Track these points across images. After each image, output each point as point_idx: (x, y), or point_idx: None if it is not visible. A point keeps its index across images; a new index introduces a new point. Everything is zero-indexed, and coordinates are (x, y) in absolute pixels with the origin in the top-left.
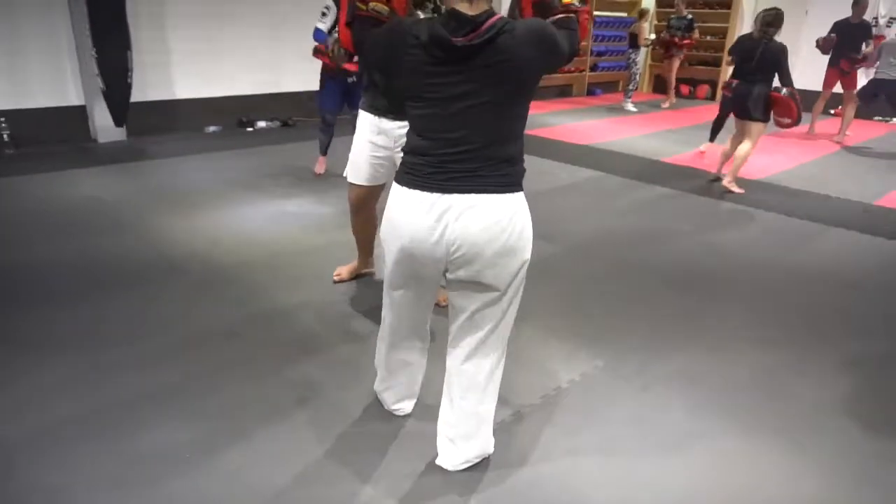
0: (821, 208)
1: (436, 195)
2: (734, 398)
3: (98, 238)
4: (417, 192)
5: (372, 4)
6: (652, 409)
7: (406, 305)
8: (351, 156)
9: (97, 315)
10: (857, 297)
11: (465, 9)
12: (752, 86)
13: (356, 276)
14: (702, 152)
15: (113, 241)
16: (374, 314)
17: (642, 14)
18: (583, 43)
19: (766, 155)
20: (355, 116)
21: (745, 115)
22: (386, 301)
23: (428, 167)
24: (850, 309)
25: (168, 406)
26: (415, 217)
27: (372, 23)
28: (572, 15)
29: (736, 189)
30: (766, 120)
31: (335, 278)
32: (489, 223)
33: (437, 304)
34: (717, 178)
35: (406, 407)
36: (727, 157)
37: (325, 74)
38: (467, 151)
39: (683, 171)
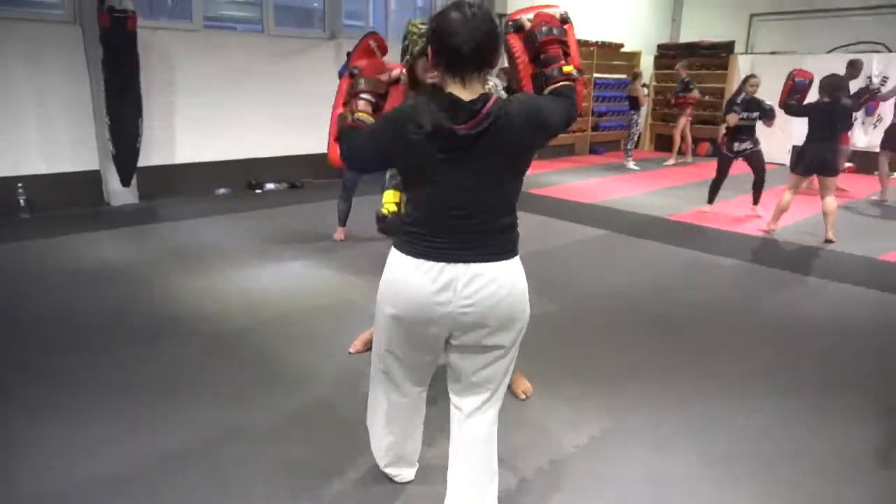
0: (825, 262)
1: (441, 264)
2: (748, 452)
3: (108, 300)
4: (422, 261)
5: (357, 115)
6: (664, 468)
7: (402, 372)
8: None
9: (104, 376)
10: (864, 350)
11: (459, 92)
12: (833, 143)
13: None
14: (707, 212)
15: (122, 302)
16: None
17: (636, 76)
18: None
19: (765, 210)
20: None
21: (828, 171)
22: (379, 367)
23: (433, 238)
24: (859, 361)
25: (176, 472)
26: (420, 285)
27: (357, 132)
28: (571, 83)
29: (833, 237)
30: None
31: (351, 350)
32: (495, 289)
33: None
34: (771, 231)
35: (407, 474)
36: (783, 211)
37: None
38: (470, 224)
39: (686, 227)
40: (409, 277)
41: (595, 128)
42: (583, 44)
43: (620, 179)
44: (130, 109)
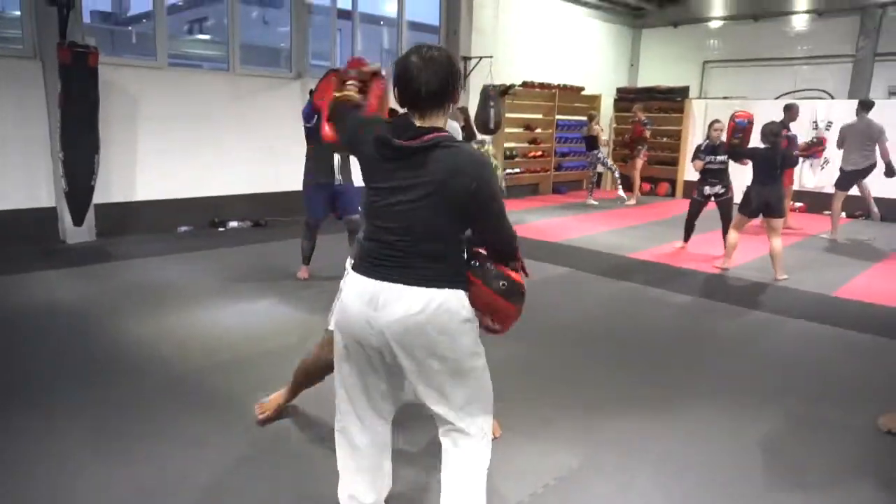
0: (782, 300)
1: (371, 281)
2: (718, 490)
3: (59, 341)
4: (359, 276)
5: (345, 92)
6: None
7: (358, 395)
8: (336, 303)
9: (51, 425)
10: (821, 383)
11: (416, 120)
12: (775, 186)
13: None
14: (681, 248)
15: (76, 343)
16: None
17: (591, 118)
18: (546, 145)
19: (719, 248)
20: (340, 220)
21: (773, 213)
22: (341, 394)
23: (370, 254)
24: (817, 393)
25: None
26: (354, 301)
27: (346, 107)
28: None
29: (784, 276)
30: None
31: (261, 417)
32: (410, 313)
33: None
34: (726, 269)
35: None
36: (733, 248)
37: (310, 181)
38: (401, 243)
39: (649, 265)
40: (349, 292)
41: (558, 168)
42: (545, 86)
43: (583, 218)
44: (86, 145)
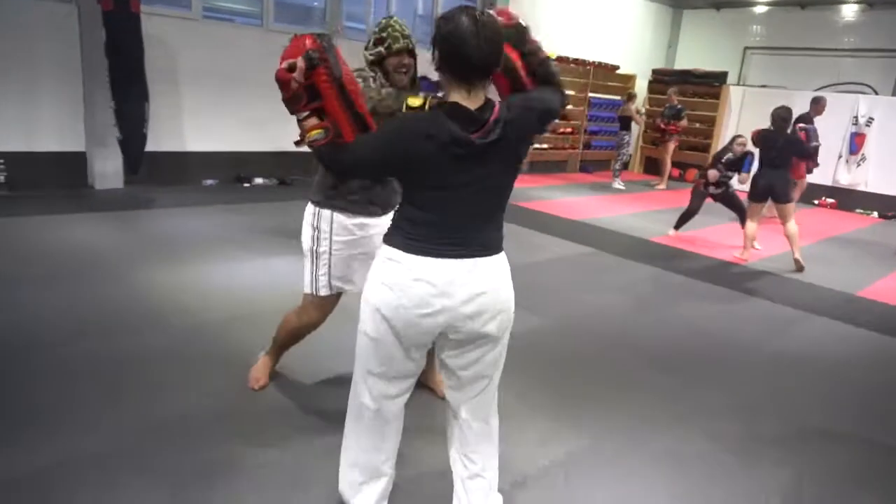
0: (804, 296)
1: (447, 261)
2: (718, 486)
3: (85, 285)
4: (427, 258)
5: (312, 135)
6: (635, 495)
7: (388, 388)
8: (324, 267)
9: (76, 369)
10: (836, 385)
11: (464, 100)
12: (781, 171)
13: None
14: (669, 236)
15: (100, 289)
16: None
17: (630, 97)
18: (576, 122)
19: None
20: None
21: (777, 198)
22: (365, 380)
23: (437, 236)
24: (829, 397)
25: (136, 469)
26: (422, 283)
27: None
28: (556, 69)
29: (799, 257)
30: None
31: (255, 387)
32: (495, 279)
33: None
34: (745, 261)
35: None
36: (752, 239)
37: None
38: (474, 223)
39: (671, 251)
40: (414, 274)
41: (587, 146)
42: (579, 63)
43: (608, 199)
44: (137, 94)
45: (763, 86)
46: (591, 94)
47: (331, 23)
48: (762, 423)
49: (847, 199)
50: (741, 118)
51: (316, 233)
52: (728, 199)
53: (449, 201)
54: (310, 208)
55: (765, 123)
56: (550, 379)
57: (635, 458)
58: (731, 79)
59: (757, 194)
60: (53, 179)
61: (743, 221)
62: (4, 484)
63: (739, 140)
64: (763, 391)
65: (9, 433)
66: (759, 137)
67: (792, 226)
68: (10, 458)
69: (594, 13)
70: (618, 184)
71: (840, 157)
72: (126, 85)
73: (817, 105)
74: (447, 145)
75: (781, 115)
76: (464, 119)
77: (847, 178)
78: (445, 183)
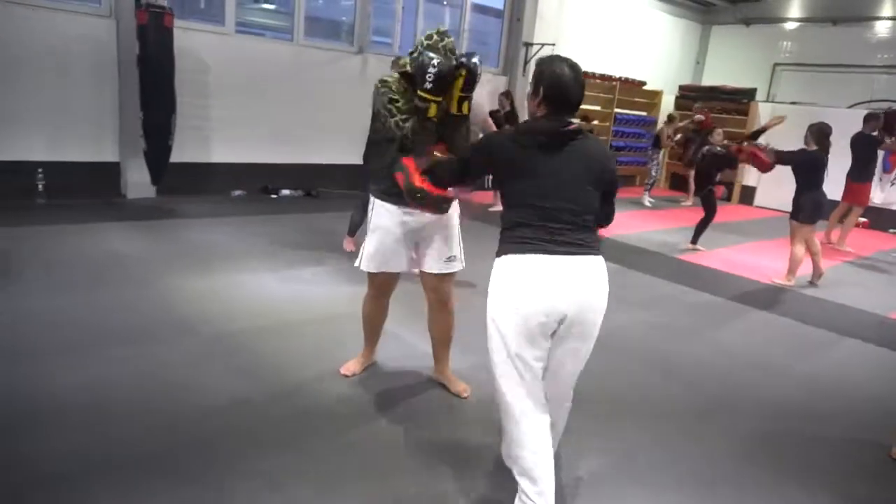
0: (835, 318)
1: (556, 258)
2: None
3: (115, 291)
4: (543, 256)
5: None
6: None
7: (528, 374)
8: (370, 247)
9: (106, 373)
10: (867, 409)
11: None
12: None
13: (366, 369)
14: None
15: (129, 295)
16: (378, 396)
17: (671, 119)
18: (602, 138)
19: (779, 260)
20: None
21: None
22: (512, 375)
23: (543, 234)
24: (860, 420)
25: (163, 474)
26: (544, 279)
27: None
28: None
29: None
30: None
31: (346, 373)
32: (599, 279)
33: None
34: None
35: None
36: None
37: None
38: (570, 220)
39: (697, 269)
40: (533, 274)
41: None
42: (605, 79)
43: (633, 215)
44: (164, 106)
45: (793, 102)
46: (616, 110)
47: (359, 38)
48: (791, 447)
49: (880, 219)
50: (770, 135)
51: (368, 216)
52: (709, 198)
53: (538, 191)
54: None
55: (793, 140)
56: (575, 395)
57: (661, 478)
58: (759, 95)
59: (811, 216)
60: (87, 188)
61: (707, 223)
62: (30, 483)
63: (718, 130)
64: (793, 414)
65: (36, 433)
66: (807, 158)
67: (797, 249)
68: (36, 459)
69: (621, 28)
70: (647, 200)
71: (873, 175)
72: (154, 97)
73: (876, 120)
74: (530, 136)
75: (826, 132)
76: (549, 122)
77: (881, 196)
78: (530, 170)
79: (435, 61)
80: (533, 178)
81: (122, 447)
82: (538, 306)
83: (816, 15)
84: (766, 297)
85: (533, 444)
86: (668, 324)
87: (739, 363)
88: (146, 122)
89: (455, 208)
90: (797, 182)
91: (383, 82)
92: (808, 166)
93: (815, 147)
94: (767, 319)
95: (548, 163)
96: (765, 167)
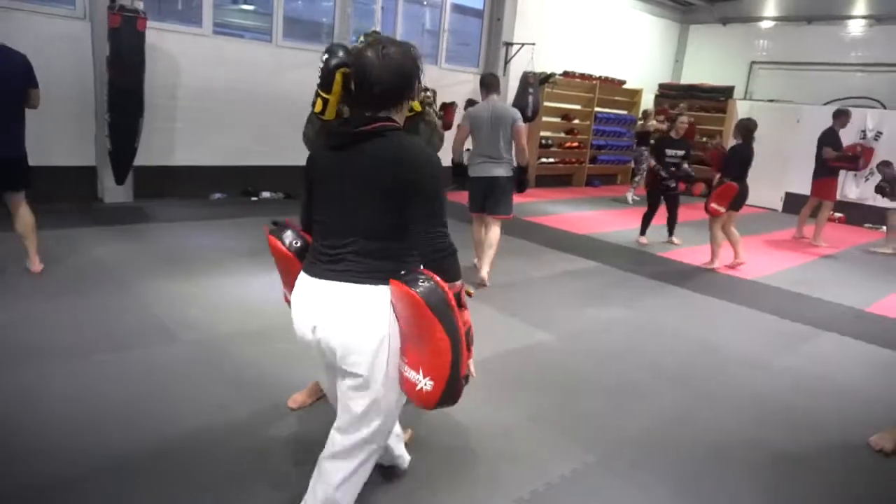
0: (813, 311)
1: (314, 280)
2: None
3: (95, 298)
4: (305, 277)
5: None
6: None
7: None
8: None
9: (87, 381)
10: (848, 403)
11: (361, 112)
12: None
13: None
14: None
15: (109, 302)
16: None
17: (647, 115)
18: (583, 136)
19: (756, 256)
20: None
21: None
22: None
23: (318, 252)
24: (842, 414)
25: (147, 484)
26: (299, 301)
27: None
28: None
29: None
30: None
31: (292, 406)
32: (349, 312)
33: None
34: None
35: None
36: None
37: None
38: (343, 238)
39: (678, 265)
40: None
41: (593, 160)
42: (586, 78)
43: (614, 213)
44: (132, 108)
45: (771, 100)
46: (597, 109)
47: (339, 39)
48: (774, 440)
49: (856, 214)
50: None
51: None
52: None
53: (318, 203)
54: None
55: (773, 137)
56: (557, 394)
57: (643, 476)
58: (737, 93)
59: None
60: (65, 193)
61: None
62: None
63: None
64: (773, 407)
65: (21, 444)
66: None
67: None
68: (21, 470)
69: (601, 28)
70: (631, 197)
71: (848, 171)
72: (123, 99)
73: (845, 116)
74: (324, 138)
75: (751, 128)
76: (347, 123)
77: (855, 192)
78: (316, 177)
79: (324, 56)
80: (319, 190)
81: (107, 456)
82: (297, 326)
83: (791, 14)
84: (746, 292)
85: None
86: (648, 320)
87: (720, 357)
88: (112, 123)
89: None
90: (727, 174)
91: None
92: (738, 158)
93: (741, 141)
94: (746, 314)
95: (332, 172)
96: (717, 167)
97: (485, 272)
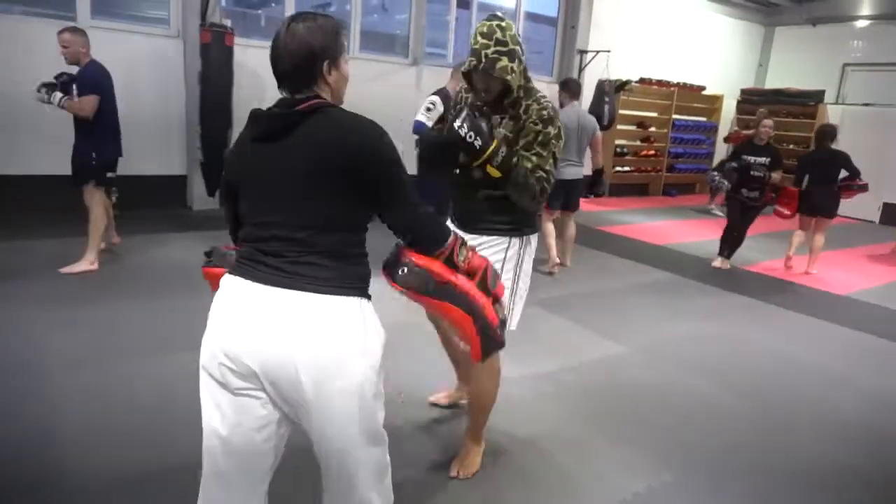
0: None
1: (255, 286)
2: None
3: (180, 299)
4: (240, 280)
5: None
6: None
7: (222, 437)
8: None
9: (172, 379)
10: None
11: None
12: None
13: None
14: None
15: (193, 303)
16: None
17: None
18: (660, 145)
19: (850, 269)
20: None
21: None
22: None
23: (254, 255)
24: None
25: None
26: (228, 310)
27: None
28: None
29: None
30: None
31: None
32: (305, 325)
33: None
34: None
35: None
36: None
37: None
38: (285, 238)
39: (759, 278)
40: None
41: (670, 169)
42: (663, 84)
43: (691, 224)
44: (221, 121)
45: (866, 104)
46: (675, 116)
47: (413, 51)
48: (859, 466)
49: None
50: (840, 139)
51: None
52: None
53: (251, 196)
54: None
55: (869, 143)
56: (630, 408)
57: (719, 499)
58: (828, 97)
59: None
60: (156, 200)
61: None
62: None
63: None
64: (855, 431)
65: (52, 447)
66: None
67: (820, 238)
68: (50, 476)
69: (678, 33)
70: (716, 208)
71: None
72: (213, 112)
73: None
74: (250, 119)
75: (824, 133)
76: (280, 105)
77: None
78: (248, 168)
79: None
80: (245, 187)
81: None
82: (216, 343)
83: (888, 12)
84: (832, 307)
85: None
86: (726, 333)
87: (801, 374)
88: (204, 135)
89: None
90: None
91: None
92: (801, 163)
93: (815, 147)
94: (831, 329)
95: (259, 162)
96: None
97: (567, 261)
